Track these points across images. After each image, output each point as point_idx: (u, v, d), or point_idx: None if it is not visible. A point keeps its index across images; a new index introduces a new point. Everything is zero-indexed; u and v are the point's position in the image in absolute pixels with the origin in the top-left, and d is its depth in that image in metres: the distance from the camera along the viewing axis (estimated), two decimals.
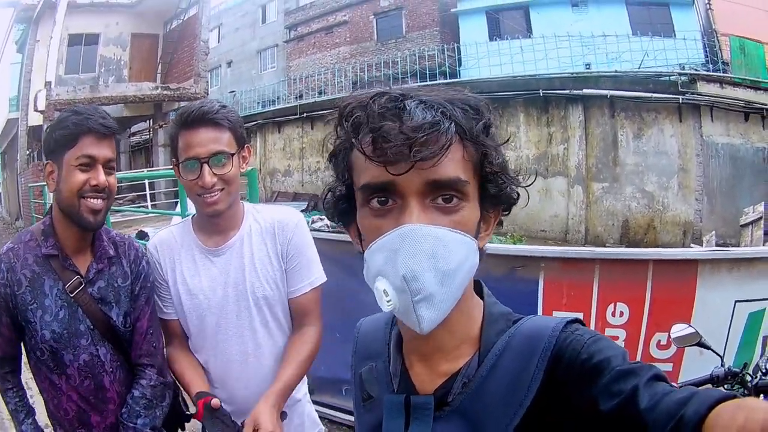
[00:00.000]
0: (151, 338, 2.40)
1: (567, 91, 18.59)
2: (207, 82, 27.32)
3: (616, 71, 19.61)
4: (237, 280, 2.38)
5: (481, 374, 1.14)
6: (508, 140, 1.19)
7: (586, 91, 18.21)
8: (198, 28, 25.75)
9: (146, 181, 22.00)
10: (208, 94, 26.62)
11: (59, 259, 2.27)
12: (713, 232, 15.50)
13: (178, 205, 8.58)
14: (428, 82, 23.69)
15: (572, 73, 20.33)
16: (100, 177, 2.19)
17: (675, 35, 22.99)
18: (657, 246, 15.71)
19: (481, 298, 1.24)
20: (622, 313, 3.83)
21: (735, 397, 0.87)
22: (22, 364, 2.36)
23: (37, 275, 2.24)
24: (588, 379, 1.00)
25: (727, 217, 16.30)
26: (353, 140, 1.10)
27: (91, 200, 2.21)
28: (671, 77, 18.04)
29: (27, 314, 2.22)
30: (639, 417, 0.91)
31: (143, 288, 2.40)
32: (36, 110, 22.03)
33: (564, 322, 1.12)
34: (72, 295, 2.26)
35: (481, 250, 1.16)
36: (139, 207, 20.37)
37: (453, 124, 1.05)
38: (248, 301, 2.38)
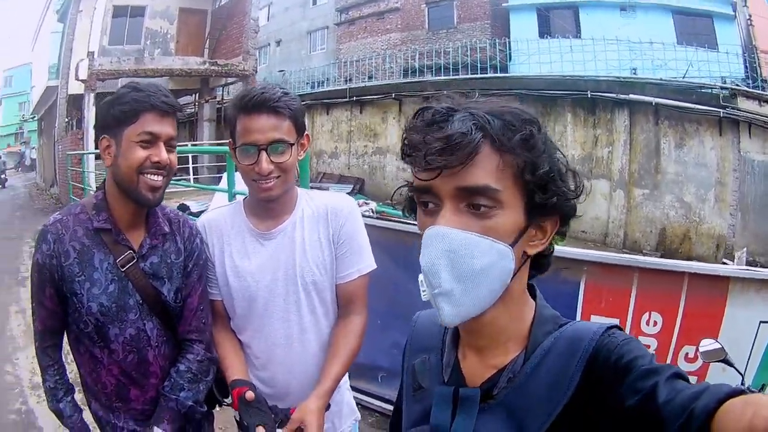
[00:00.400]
0: (201, 314, 2.40)
1: (614, 95, 18.55)
2: (256, 59, 27.05)
3: (661, 79, 19.33)
4: (287, 263, 2.36)
5: (526, 371, 1.19)
6: (553, 152, 1.20)
7: (632, 96, 18.11)
8: (248, 6, 25.50)
9: (189, 155, 22.35)
10: (256, 72, 26.70)
11: (111, 234, 2.26)
12: (745, 249, 15.53)
13: (221, 180, 8.85)
14: (477, 75, 23.94)
15: (619, 77, 20.10)
16: (162, 154, 2.20)
17: (717, 48, 22.95)
18: (690, 257, 15.85)
19: (534, 300, 1.30)
20: (656, 323, 3.80)
21: (744, 392, 0.90)
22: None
23: (86, 248, 2.23)
24: (618, 378, 1.05)
25: (759, 234, 16.41)
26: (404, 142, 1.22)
27: (151, 176, 2.21)
28: (713, 90, 17.86)
29: (74, 286, 2.21)
30: (657, 411, 0.95)
31: (196, 265, 2.40)
32: (77, 79, 21.64)
33: (604, 327, 1.17)
34: (123, 270, 2.26)
35: (546, 257, 1.27)
36: (180, 180, 19.58)
37: (482, 135, 1.11)
38: (297, 285, 2.36)
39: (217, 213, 2.52)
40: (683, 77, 20.01)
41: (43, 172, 34.88)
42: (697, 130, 17.48)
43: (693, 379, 3.12)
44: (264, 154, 2.19)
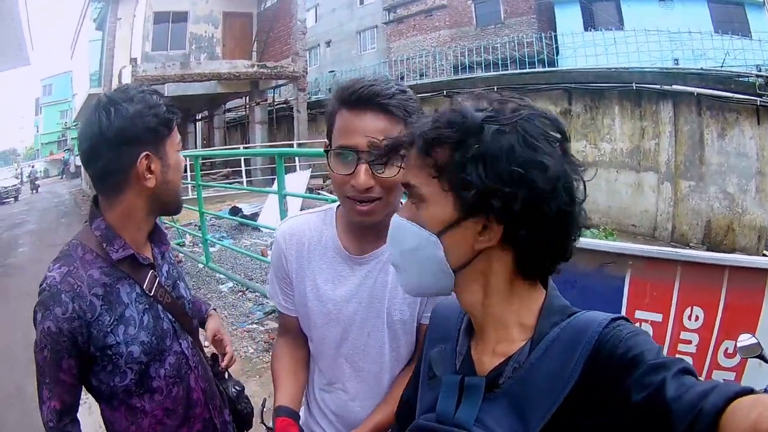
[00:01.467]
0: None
1: (658, 86, 18.21)
2: (306, 61, 27.25)
3: (702, 69, 18.73)
4: (376, 296, 1.99)
5: (530, 361, 1.20)
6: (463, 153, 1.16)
7: (675, 87, 17.76)
8: (293, 8, 25.64)
9: (242, 158, 22.51)
10: (307, 73, 26.88)
11: (130, 261, 2.01)
12: None
13: (275, 183, 8.19)
14: (526, 70, 23.98)
15: (663, 68, 19.83)
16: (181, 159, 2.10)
17: (751, 35, 23.03)
18: (734, 249, 15.59)
19: (546, 291, 1.31)
20: (697, 317, 3.63)
21: (753, 391, 0.91)
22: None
23: (109, 288, 1.95)
24: (624, 371, 1.04)
25: None
26: None
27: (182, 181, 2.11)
28: (749, 78, 17.14)
29: (107, 340, 1.91)
30: (665, 407, 0.95)
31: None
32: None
33: (609, 318, 1.16)
34: (151, 295, 2.05)
35: (479, 252, 1.24)
36: (233, 183, 20.07)
37: (407, 140, 1.28)
38: (382, 322, 2.00)
39: (302, 222, 2.11)
40: (721, 66, 19.49)
41: (88, 179, 33.47)
42: (736, 120, 16.90)
43: (731, 376, 3.33)
44: (363, 165, 1.75)
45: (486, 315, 1.30)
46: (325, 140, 1.90)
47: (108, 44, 24.30)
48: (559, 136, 1.20)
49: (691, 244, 16.79)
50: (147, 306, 2.05)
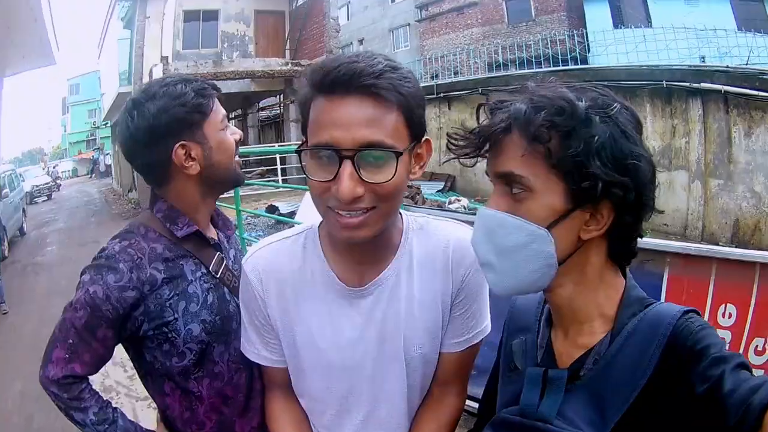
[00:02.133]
0: None
1: (688, 84, 17.69)
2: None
3: (728, 66, 18.13)
4: (388, 333, 1.63)
5: (610, 353, 1.22)
6: (579, 140, 1.16)
7: (704, 84, 17.26)
8: (326, 6, 25.26)
9: (277, 156, 22.14)
10: None
11: (196, 238, 1.96)
12: None
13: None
14: (559, 67, 23.41)
15: (691, 66, 19.13)
16: (236, 131, 2.02)
17: None
18: (761, 248, 13.55)
19: (625, 281, 1.32)
20: (731, 315, 3.64)
21: None
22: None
23: (173, 262, 1.89)
24: (691, 364, 1.08)
25: None
26: None
27: (237, 157, 2.02)
28: None
29: (165, 315, 1.83)
30: (722, 400, 0.99)
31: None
32: None
33: (683, 311, 1.19)
34: (218, 276, 1.98)
35: (628, 246, 1.29)
36: (269, 181, 19.56)
37: (504, 126, 1.21)
38: (401, 362, 1.66)
39: (279, 250, 1.72)
40: (746, 64, 19.12)
41: (120, 178, 34.34)
42: (762, 118, 16.40)
43: (760, 373, 2.51)
44: (349, 167, 1.35)
45: (573, 306, 1.30)
46: (302, 137, 1.49)
47: (137, 43, 23.77)
48: (639, 128, 1.22)
49: (720, 243, 15.97)
50: (212, 286, 1.96)
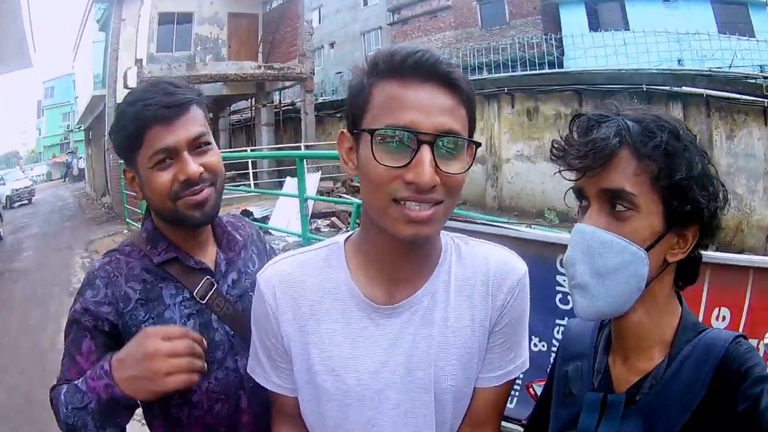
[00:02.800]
0: None
1: (668, 88, 18.17)
2: (313, 62, 26.97)
3: (710, 69, 18.87)
4: (418, 360, 1.45)
5: (666, 377, 1.23)
6: (694, 160, 1.20)
7: (685, 88, 17.71)
8: (300, 8, 25.46)
9: (249, 161, 21.92)
10: (314, 74, 26.61)
11: (179, 262, 1.81)
12: None
13: (283, 186, 8.00)
14: (536, 71, 24.08)
15: (671, 70, 19.78)
16: (189, 168, 1.69)
17: (755, 36, 22.77)
18: (743, 250, 15.34)
19: (681, 307, 1.32)
20: (724, 318, 3.53)
21: None
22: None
23: (150, 284, 1.78)
24: (736, 385, 1.11)
25: None
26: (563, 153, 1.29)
27: (190, 195, 1.72)
28: (756, 79, 17.33)
29: None
30: (759, 417, 1.03)
31: (270, 257, 1.94)
32: (126, 87, 20.95)
33: (734, 336, 1.20)
34: (204, 302, 1.81)
35: (690, 266, 1.31)
36: (239, 186, 19.41)
37: (619, 140, 1.18)
38: (430, 394, 1.46)
39: (299, 264, 1.55)
40: (729, 67, 19.68)
41: (93, 182, 34.34)
42: (744, 121, 16.89)
43: None
44: (428, 152, 1.25)
45: (640, 332, 1.29)
46: (344, 131, 1.42)
47: (112, 45, 23.74)
48: None
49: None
50: (194, 312, 1.81)
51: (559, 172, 1.31)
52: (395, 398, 1.46)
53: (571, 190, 1.32)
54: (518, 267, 1.54)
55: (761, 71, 19.12)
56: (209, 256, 1.91)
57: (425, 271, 1.50)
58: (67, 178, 56.44)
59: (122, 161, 1.84)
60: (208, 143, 1.78)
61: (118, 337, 1.72)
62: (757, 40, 22.35)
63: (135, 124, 1.69)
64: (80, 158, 50.69)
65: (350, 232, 1.56)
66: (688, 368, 1.22)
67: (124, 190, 16.44)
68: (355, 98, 1.35)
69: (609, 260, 1.21)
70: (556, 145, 1.29)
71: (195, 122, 1.75)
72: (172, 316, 1.78)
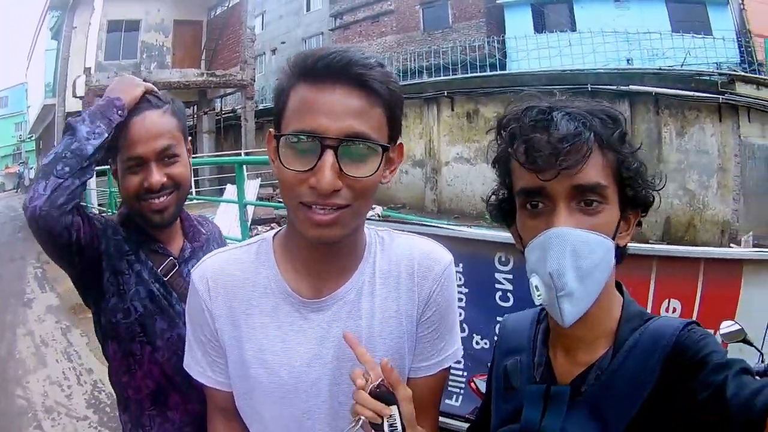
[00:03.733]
0: None
1: (614, 87, 18.38)
2: (254, 69, 27.33)
3: (660, 68, 19.34)
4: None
5: (612, 368, 1.22)
6: (639, 147, 1.27)
7: (632, 87, 18.06)
8: (244, 15, 25.82)
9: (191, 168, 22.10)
10: (255, 81, 26.96)
11: (147, 244, 2.04)
12: (750, 233, 15.39)
13: (224, 192, 8.44)
14: (477, 74, 24.09)
15: (619, 69, 20.22)
16: (152, 178, 1.89)
17: (712, 34, 22.83)
18: (695, 245, 15.35)
19: (622, 296, 1.33)
20: (675, 309, 3.71)
21: None
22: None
23: (124, 250, 1.99)
24: (693, 373, 1.09)
25: (762, 217, 16.33)
26: (509, 149, 1.24)
27: (152, 201, 1.93)
28: (711, 77, 17.87)
29: (120, 264, 1.96)
30: (725, 405, 1.01)
31: None
32: (75, 96, 21.71)
33: (684, 323, 1.19)
34: (166, 279, 2.02)
35: (623, 249, 1.30)
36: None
37: (592, 134, 1.17)
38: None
39: (230, 259, 1.60)
40: (681, 65, 20.12)
41: None
42: (697, 118, 17.51)
43: None
44: (331, 156, 1.28)
45: (588, 322, 1.26)
46: (271, 129, 1.42)
47: (63, 53, 24.05)
48: None
49: (650, 241, 16.58)
50: (161, 282, 2.01)
51: (499, 177, 1.35)
52: (328, 390, 1.52)
53: (517, 193, 1.28)
54: (443, 257, 1.59)
55: (718, 68, 19.66)
56: (176, 245, 2.13)
57: (350, 266, 1.54)
58: (19, 189, 55.41)
59: (109, 154, 1.98)
60: (176, 155, 1.97)
61: (100, 252, 1.95)
62: (714, 38, 22.50)
63: (116, 129, 1.89)
64: (31, 168, 50.52)
65: (278, 229, 1.62)
66: (636, 357, 1.21)
67: None
68: (277, 100, 1.39)
69: (591, 260, 1.18)
70: (516, 134, 1.24)
71: (164, 135, 1.94)
72: (142, 272, 1.99)
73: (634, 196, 1.24)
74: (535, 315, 1.50)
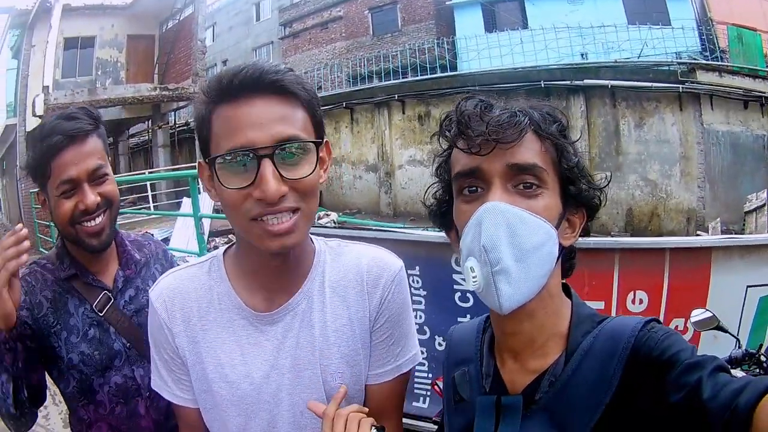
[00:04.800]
0: None
1: (568, 82, 18.62)
2: (206, 81, 26.80)
3: (615, 61, 19.70)
4: (302, 362, 1.56)
5: (567, 373, 1.20)
6: (578, 140, 1.29)
7: (587, 81, 18.22)
8: (194, 27, 25.50)
9: (147, 183, 22.12)
10: None
11: (80, 278, 2.06)
12: (718, 219, 15.61)
13: (181, 206, 8.56)
14: (427, 76, 24.11)
15: (573, 64, 20.35)
16: (88, 198, 1.93)
17: (671, 24, 22.98)
18: (661, 233, 16.49)
19: (570, 299, 1.31)
20: (641, 301, 3.83)
21: None
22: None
23: (59, 295, 2.03)
24: (661, 373, 1.07)
25: (729, 203, 16.51)
26: (447, 134, 1.25)
27: (87, 224, 1.96)
28: (671, 67, 18.22)
29: (50, 340, 1.98)
30: (702, 407, 0.98)
31: None
32: (34, 115, 21.27)
33: (642, 322, 1.17)
34: (102, 314, 2.04)
35: (568, 249, 1.27)
36: (140, 209, 19.88)
37: (528, 119, 1.17)
38: (320, 393, 1.56)
39: (181, 277, 1.63)
40: (638, 57, 20.61)
41: (8, 212, 32.87)
42: (656, 108, 17.77)
43: None
44: (269, 165, 1.31)
45: (534, 326, 1.25)
46: (200, 160, 1.46)
47: (22, 72, 23.35)
48: None
49: (612, 233, 16.99)
50: (95, 322, 2.05)
51: (448, 151, 1.31)
52: (288, 400, 1.56)
53: (454, 177, 1.27)
54: (392, 263, 1.63)
55: (678, 58, 19.97)
56: (110, 273, 2.14)
57: (300, 277, 1.58)
58: None
59: (37, 188, 2.07)
60: (106, 174, 2.00)
61: (33, 340, 1.95)
62: (673, 28, 22.61)
63: (44, 154, 1.93)
64: None
65: (228, 245, 1.67)
66: (592, 361, 1.18)
67: (36, 220, 16.72)
68: (200, 127, 1.41)
69: (528, 239, 1.16)
70: (454, 121, 1.25)
71: (94, 155, 1.97)
72: (76, 323, 2.03)
73: (577, 193, 1.22)
74: (481, 323, 1.48)
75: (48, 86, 21.90)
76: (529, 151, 1.18)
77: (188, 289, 1.59)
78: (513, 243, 1.14)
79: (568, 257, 1.30)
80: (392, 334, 1.61)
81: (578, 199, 1.22)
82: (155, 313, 1.59)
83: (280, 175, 1.30)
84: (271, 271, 1.52)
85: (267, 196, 1.28)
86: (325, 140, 1.46)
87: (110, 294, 2.08)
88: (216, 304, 1.56)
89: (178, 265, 2.05)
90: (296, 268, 1.56)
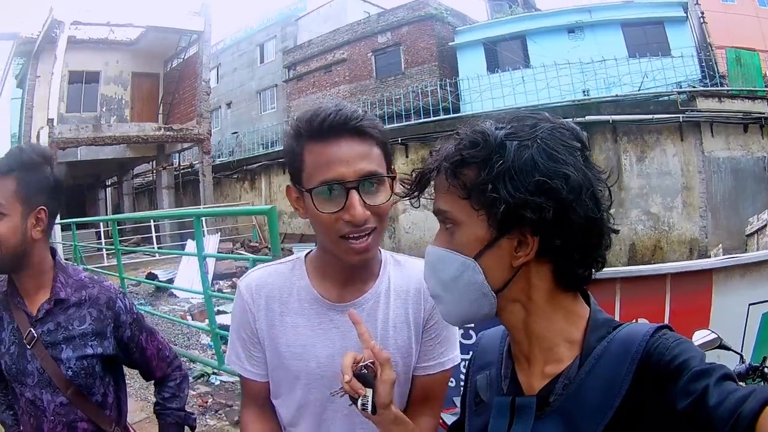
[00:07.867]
0: (163, 354, 2.43)
1: (570, 120, 18.00)
2: (210, 122, 27.48)
3: (616, 95, 19.81)
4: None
5: (580, 377, 1.22)
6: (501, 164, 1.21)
7: (588, 117, 18.18)
8: (199, 68, 26.04)
9: (152, 223, 22.67)
10: (211, 135, 27.07)
11: (12, 296, 2.21)
12: (719, 246, 15.57)
13: (185, 247, 8.56)
14: (430, 118, 24.29)
15: (574, 101, 20.43)
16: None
17: (671, 53, 23.25)
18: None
19: (589, 306, 1.33)
20: None
21: None
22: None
23: (1, 305, 2.23)
24: (670, 379, 1.08)
25: (731, 229, 16.62)
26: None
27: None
28: (671, 96, 18.36)
29: None
30: (708, 414, 1.00)
31: (125, 324, 2.30)
32: None
33: (654, 328, 1.20)
34: (24, 335, 2.17)
35: (519, 268, 1.24)
36: (146, 249, 20.22)
37: (437, 167, 1.26)
38: None
39: (269, 272, 1.94)
40: (639, 90, 20.84)
41: None
42: (657, 140, 18.07)
43: None
44: (355, 195, 1.61)
45: (530, 335, 1.30)
46: (290, 184, 1.77)
47: (27, 103, 24.38)
48: (578, 145, 1.23)
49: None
50: (17, 341, 2.19)
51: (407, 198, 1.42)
52: None
53: None
54: None
55: (678, 87, 20.12)
56: (38, 301, 2.23)
57: (369, 279, 1.86)
58: None
59: None
60: (2, 214, 2.08)
61: None
62: (672, 57, 22.75)
63: None
64: None
65: (309, 250, 1.96)
66: (605, 366, 1.20)
67: None
68: (291, 160, 1.71)
69: (446, 272, 1.27)
70: (403, 182, 1.41)
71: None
72: (5, 337, 2.21)
73: (503, 218, 1.18)
74: (506, 330, 1.45)
75: (53, 119, 22.46)
76: (439, 196, 1.29)
77: (273, 281, 1.89)
78: (436, 276, 1.31)
79: (561, 267, 1.25)
80: (439, 335, 1.88)
81: (508, 221, 1.18)
82: (241, 298, 1.89)
83: (364, 202, 1.60)
84: (346, 274, 1.80)
85: (355, 219, 1.58)
86: (393, 170, 1.72)
87: (30, 320, 2.20)
88: (295, 295, 1.85)
89: (119, 305, 2.34)
90: (366, 273, 1.85)
